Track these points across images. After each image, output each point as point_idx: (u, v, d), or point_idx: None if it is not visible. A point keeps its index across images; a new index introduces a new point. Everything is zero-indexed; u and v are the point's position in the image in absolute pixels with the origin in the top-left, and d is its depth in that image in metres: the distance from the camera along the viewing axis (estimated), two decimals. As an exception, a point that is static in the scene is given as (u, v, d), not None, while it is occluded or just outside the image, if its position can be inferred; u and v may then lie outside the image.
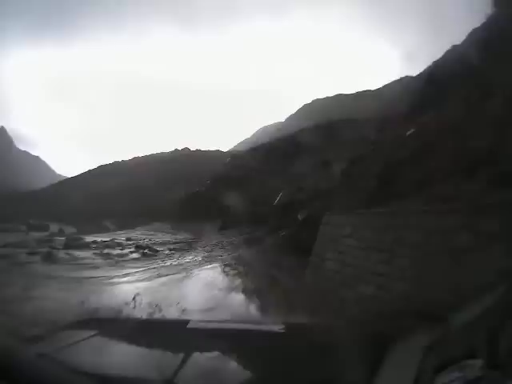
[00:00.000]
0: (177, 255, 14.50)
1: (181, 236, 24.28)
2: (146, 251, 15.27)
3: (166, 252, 15.61)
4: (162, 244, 19.22)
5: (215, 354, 1.71)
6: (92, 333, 1.86)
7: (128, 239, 21.23)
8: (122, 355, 1.68)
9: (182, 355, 1.52)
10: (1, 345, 1.21)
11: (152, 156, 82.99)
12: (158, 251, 15.64)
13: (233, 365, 1.66)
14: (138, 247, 16.33)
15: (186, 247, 17.37)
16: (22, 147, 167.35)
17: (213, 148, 75.76)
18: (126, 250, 15.65)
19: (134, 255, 14.47)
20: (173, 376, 1.31)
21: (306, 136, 33.91)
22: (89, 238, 20.40)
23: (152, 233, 27.35)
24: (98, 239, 19.96)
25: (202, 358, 1.66)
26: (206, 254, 14.39)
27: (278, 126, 76.14)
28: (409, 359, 1.30)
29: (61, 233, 26.34)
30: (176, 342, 1.93)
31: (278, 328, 2.14)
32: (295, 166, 27.39)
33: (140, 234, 25.89)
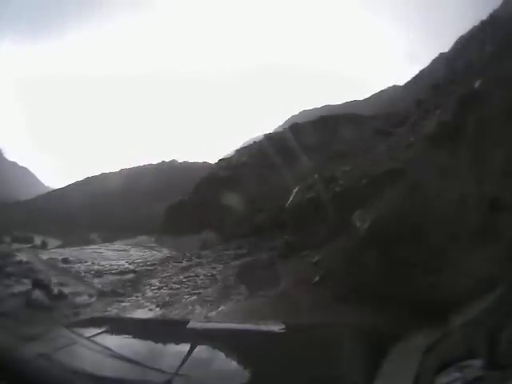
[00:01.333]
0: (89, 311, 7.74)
1: (154, 253, 20.01)
2: (37, 298, 8.21)
3: (83, 298, 8.86)
4: (97, 275, 12.14)
5: (215, 354, 1.68)
6: (92, 333, 1.78)
7: (65, 260, 15.31)
8: (121, 355, 1.56)
9: (181, 355, 1.47)
10: (1, 345, 1.21)
11: (139, 168, 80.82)
12: (65, 298, 8.76)
13: (233, 365, 1.61)
14: (36, 285, 9.24)
15: (128, 289, 10.13)
16: (10, 158, 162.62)
17: (200, 160, 71.66)
18: (12, 290, 9.00)
19: (9, 304, 7.80)
20: (173, 376, 1.28)
21: (309, 126, 29.23)
22: (25, 257, 15.31)
23: (124, 248, 23.16)
24: (32, 260, 14.84)
25: (202, 358, 1.60)
26: (155, 310, 7.70)
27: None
28: (409, 359, 1.29)
29: (43, 245, 24.58)
30: (176, 341, 1.89)
31: (277, 328, 1.97)
32: (303, 154, 22.57)
33: (106, 250, 21.87)
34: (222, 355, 1.65)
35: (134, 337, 1.91)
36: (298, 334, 2.04)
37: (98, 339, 1.71)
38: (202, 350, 1.66)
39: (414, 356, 1.22)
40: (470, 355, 1.10)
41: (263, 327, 2.17)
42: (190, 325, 2.14)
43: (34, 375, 1.02)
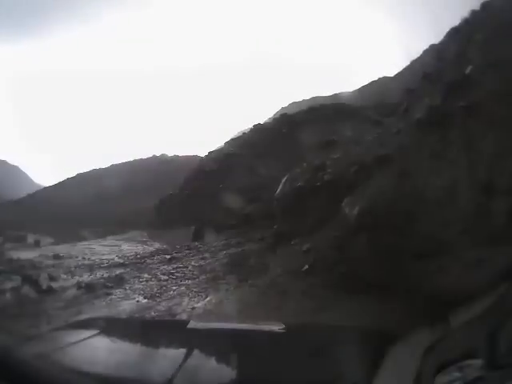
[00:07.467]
0: (73, 307, 7.29)
1: (145, 247, 19.53)
2: (26, 293, 8.42)
3: (72, 292, 8.68)
4: (87, 269, 11.90)
5: (215, 354, 1.66)
6: (92, 333, 1.78)
7: (56, 257, 15.10)
8: (121, 355, 1.61)
9: (182, 355, 1.49)
10: (1, 345, 1.23)
11: (130, 163, 79.56)
12: (54, 292, 8.65)
13: (233, 365, 1.57)
14: (26, 281, 9.30)
15: (116, 282, 9.60)
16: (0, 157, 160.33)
17: (191, 154, 71.33)
18: (2, 287, 8.84)
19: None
20: (173, 376, 1.27)
21: (298, 116, 28.42)
22: (16, 254, 15.28)
23: (116, 243, 22.89)
24: (23, 257, 14.54)
25: (202, 358, 1.63)
26: (142, 302, 7.48)
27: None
28: (409, 359, 1.30)
29: (36, 244, 23.98)
30: (176, 342, 1.89)
31: (277, 328, 1.95)
32: (291, 143, 22.09)
33: (97, 246, 21.68)
34: (222, 355, 1.64)
35: (134, 337, 1.91)
36: (298, 334, 2.04)
37: (98, 339, 1.73)
38: (202, 350, 1.67)
39: (414, 356, 1.23)
40: (470, 355, 1.11)
41: (263, 327, 2.17)
42: (190, 325, 2.14)
43: (34, 375, 1.02)
